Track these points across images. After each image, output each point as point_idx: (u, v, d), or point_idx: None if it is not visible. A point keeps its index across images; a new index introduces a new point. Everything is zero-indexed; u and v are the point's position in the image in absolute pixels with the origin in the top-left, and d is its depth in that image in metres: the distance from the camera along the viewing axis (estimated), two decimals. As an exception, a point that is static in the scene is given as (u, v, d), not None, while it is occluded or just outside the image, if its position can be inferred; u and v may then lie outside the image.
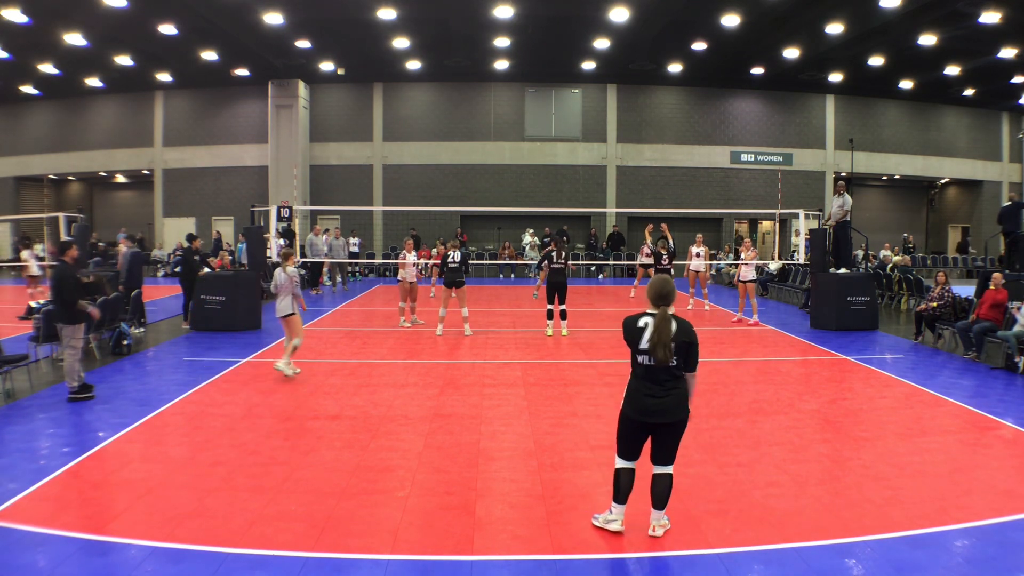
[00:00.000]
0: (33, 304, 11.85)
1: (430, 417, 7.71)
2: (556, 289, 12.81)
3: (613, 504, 4.86)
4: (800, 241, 18.85)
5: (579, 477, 5.97)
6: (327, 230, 22.57)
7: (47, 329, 9.47)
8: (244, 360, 10.77)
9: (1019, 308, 10.40)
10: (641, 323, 4.68)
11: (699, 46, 24.02)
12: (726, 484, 5.83)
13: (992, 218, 20.02)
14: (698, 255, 16.62)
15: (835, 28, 21.09)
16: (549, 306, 13.00)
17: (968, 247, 30.79)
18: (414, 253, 13.94)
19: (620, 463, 4.82)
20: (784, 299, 19.46)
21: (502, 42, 23.93)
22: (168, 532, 4.85)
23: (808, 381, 9.83)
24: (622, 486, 4.80)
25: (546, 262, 12.84)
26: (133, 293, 12.93)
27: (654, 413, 4.63)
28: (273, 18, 20.39)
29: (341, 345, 11.93)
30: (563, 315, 13.04)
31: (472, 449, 6.66)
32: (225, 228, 28.06)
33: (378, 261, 26.93)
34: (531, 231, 27.18)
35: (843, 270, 14.80)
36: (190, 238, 14.88)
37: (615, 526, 4.83)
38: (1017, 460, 6.63)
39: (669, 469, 4.78)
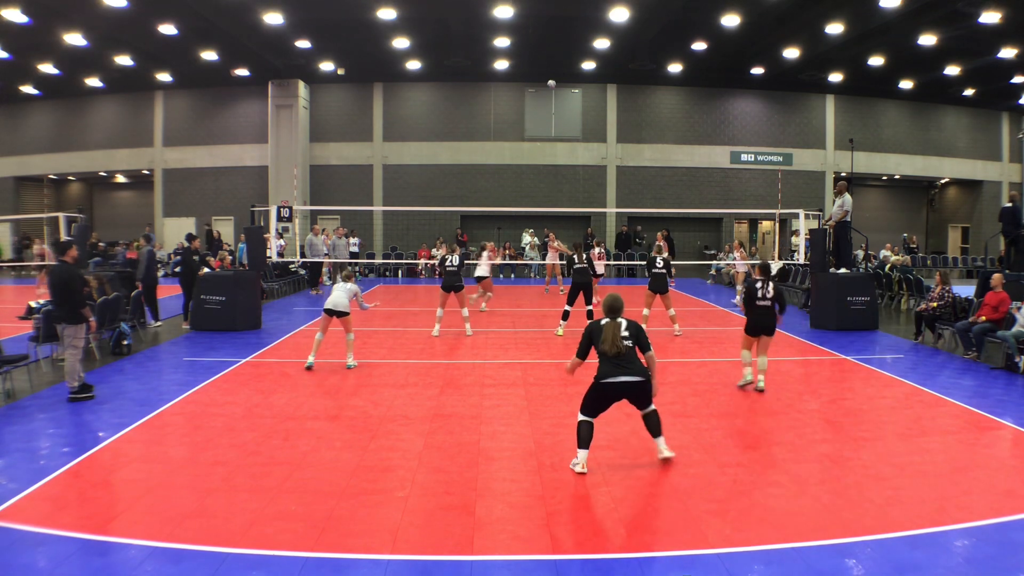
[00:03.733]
0: (33, 304, 11.86)
1: (430, 417, 7.72)
2: (581, 289, 12.86)
3: (578, 451, 6.03)
4: (800, 241, 18.84)
5: (579, 477, 5.96)
6: (323, 230, 22.52)
7: (47, 329, 9.48)
8: (244, 360, 10.77)
9: (1019, 308, 10.39)
10: (603, 323, 6.18)
11: (699, 46, 24.00)
12: (726, 484, 5.83)
13: (992, 218, 20.01)
14: (735, 258, 18.21)
15: (835, 28, 21.07)
16: (567, 307, 13.01)
17: None
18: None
19: (582, 417, 6.08)
20: (784, 299, 19.43)
21: (502, 42, 23.92)
22: (168, 532, 4.85)
23: (808, 381, 9.83)
24: (582, 435, 6.03)
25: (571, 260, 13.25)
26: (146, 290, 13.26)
27: (620, 373, 5.96)
28: (273, 18, 20.38)
29: (341, 345, 11.92)
30: (590, 316, 12.93)
31: (472, 449, 6.66)
32: (225, 228, 28.03)
33: (378, 261, 26.93)
34: (531, 231, 27.16)
35: (843, 270, 14.80)
36: (190, 238, 14.90)
37: (579, 468, 5.96)
38: (1017, 460, 6.64)
39: (651, 407, 6.14)
